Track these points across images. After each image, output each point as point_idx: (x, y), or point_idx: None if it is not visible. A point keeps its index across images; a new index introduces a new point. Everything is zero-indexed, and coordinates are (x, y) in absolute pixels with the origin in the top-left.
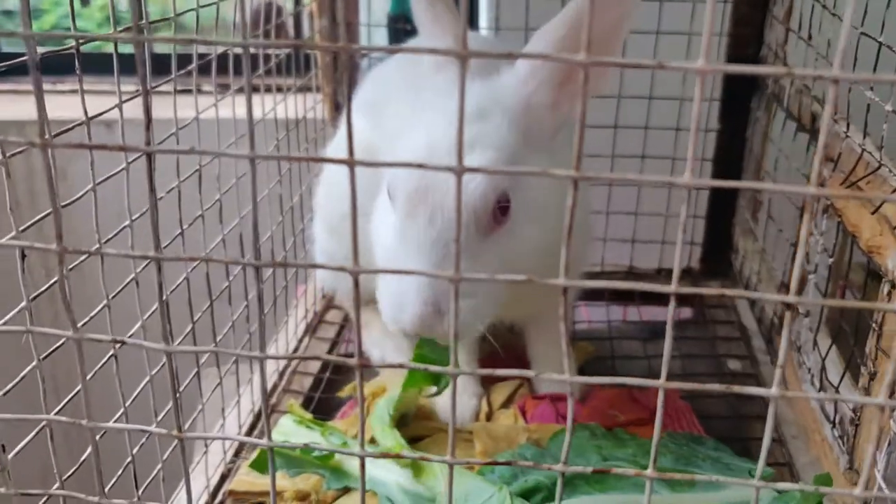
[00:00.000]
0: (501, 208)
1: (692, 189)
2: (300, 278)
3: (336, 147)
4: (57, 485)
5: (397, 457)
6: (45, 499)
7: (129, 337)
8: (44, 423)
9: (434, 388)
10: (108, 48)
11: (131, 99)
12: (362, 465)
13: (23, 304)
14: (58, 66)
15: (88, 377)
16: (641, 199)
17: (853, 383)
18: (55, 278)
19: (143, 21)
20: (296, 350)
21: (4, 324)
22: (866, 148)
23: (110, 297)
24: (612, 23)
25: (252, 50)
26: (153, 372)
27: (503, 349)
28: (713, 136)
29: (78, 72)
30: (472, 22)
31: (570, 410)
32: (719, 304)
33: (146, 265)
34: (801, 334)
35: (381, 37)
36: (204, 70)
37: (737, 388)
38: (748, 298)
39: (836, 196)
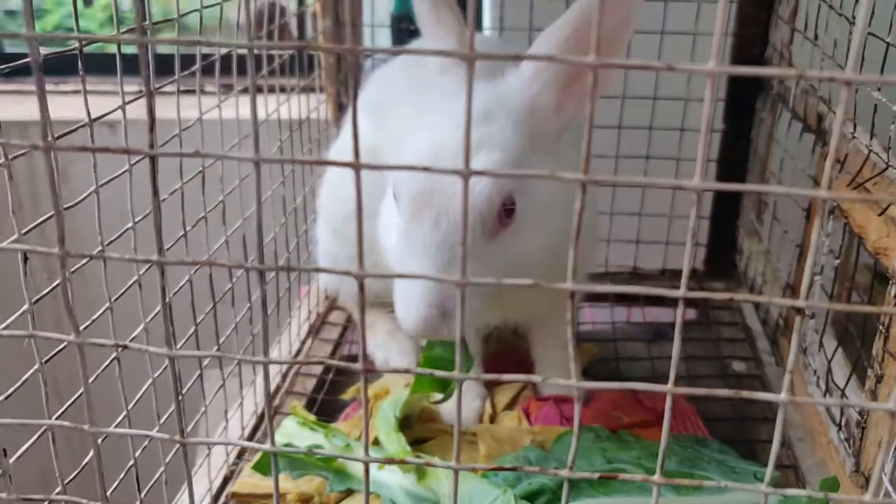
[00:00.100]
0: (507, 210)
1: (700, 192)
2: (303, 279)
3: (340, 148)
4: (59, 489)
5: (402, 462)
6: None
7: (132, 340)
8: (45, 427)
9: (440, 396)
10: (112, 48)
11: (134, 100)
12: (366, 471)
13: (25, 307)
14: (61, 66)
15: (90, 381)
16: (646, 200)
17: (859, 385)
18: (57, 281)
19: (147, 22)
20: (299, 351)
21: (6, 327)
22: (873, 149)
23: (113, 299)
24: (617, 23)
25: (256, 51)
26: (156, 375)
27: (507, 351)
28: (717, 137)
29: (81, 73)
30: (476, 22)
31: (577, 416)
32: (724, 305)
33: (148, 268)
34: (806, 336)
35: (384, 37)
36: (207, 71)
37: (746, 394)
38: (757, 302)
39: (846, 199)
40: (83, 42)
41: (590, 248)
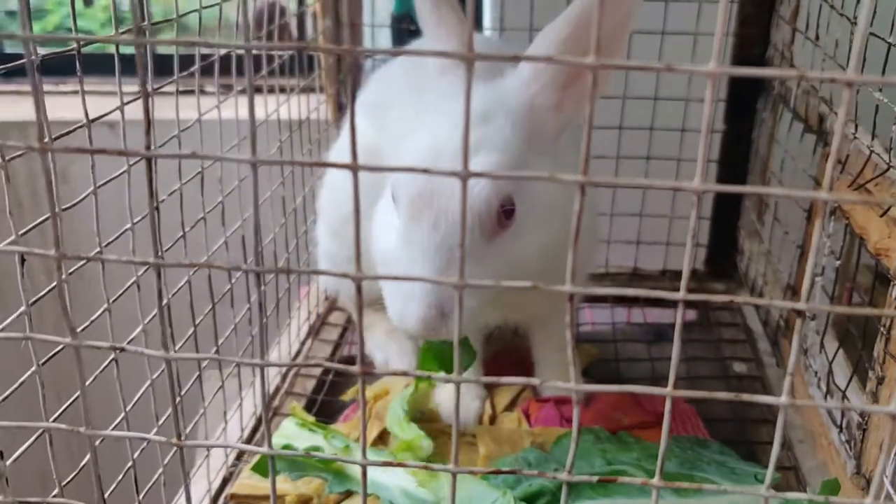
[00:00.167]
0: (506, 212)
1: (701, 194)
2: (303, 280)
3: (340, 149)
4: (56, 491)
5: (400, 465)
6: None
7: (131, 341)
8: (42, 430)
9: (443, 396)
10: (112, 49)
11: (133, 101)
12: (364, 474)
13: (22, 308)
14: (60, 66)
15: (88, 383)
16: (646, 201)
17: (860, 387)
18: (54, 283)
19: (146, 22)
20: (298, 352)
21: (3, 329)
22: (874, 150)
23: (111, 301)
24: (616, 23)
25: (255, 51)
26: (154, 376)
27: (507, 351)
28: (718, 138)
29: (79, 74)
30: (476, 23)
31: (576, 419)
32: (724, 306)
33: (147, 269)
34: (807, 337)
35: (384, 37)
36: (207, 71)
37: (746, 397)
38: (758, 305)
39: (847, 201)
40: (81, 42)
41: (590, 249)
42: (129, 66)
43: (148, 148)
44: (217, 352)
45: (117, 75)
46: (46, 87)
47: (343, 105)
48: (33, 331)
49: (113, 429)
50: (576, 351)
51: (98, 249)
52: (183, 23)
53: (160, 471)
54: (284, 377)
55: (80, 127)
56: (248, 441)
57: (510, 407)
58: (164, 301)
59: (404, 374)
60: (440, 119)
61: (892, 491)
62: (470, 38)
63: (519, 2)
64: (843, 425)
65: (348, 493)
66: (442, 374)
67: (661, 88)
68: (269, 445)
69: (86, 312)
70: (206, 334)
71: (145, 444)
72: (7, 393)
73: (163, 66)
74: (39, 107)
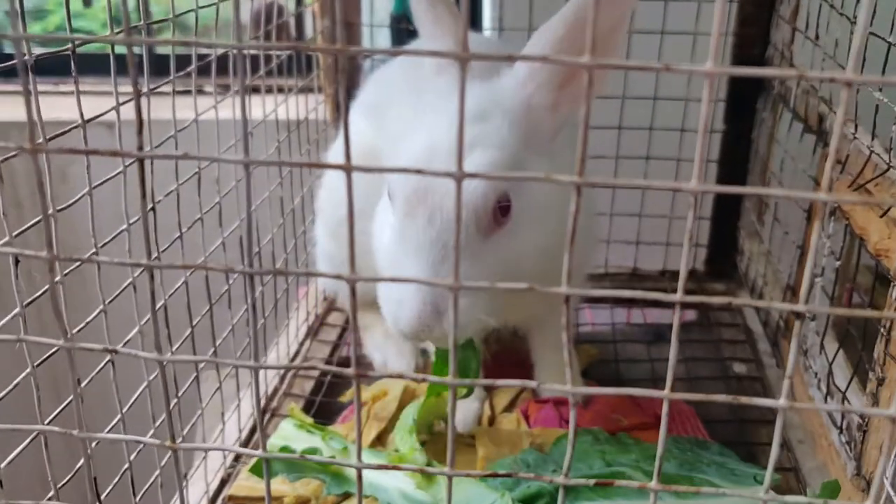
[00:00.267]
0: (502, 208)
1: (699, 195)
2: (301, 280)
3: (338, 150)
4: (51, 493)
5: (394, 468)
6: None
7: (127, 343)
8: (35, 432)
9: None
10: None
11: (128, 101)
12: (359, 477)
13: (16, 310)
14: (59, 67)
15: (84, 384)
16: (645, 201)
17: (860, 388)
18: (47, 286)
19: (142, 22)
20: (297, 353)
21: None
22: (874, 150)
23: (106, 302)
24: (613, 23)
25: (253, 51)
26: (150, 378)
27: (507, 352)
28: (718, 138)
29: (74, 74)
30: (476, 23)
31: (573, 421)
32: (724, 306)
33: (142, 271)
34: (807, 338)
35: (383, 37)
36: (205, 71)
37: (744, 399)
38: (757, 307)
39: (846, 201)
40: (76, 43)
41: (588, 249)
42: (125, 66)
43: (140, 149)
44: (214, 353)
45: (112, 76)
46: (45, 88)
47: (341, 105)
48: (33, 331)
49: (109, 430)
50: (574, 352)
51: (93, 251)
52: (182, 22)
53: (157, 472)
54: (283, 378)
55: (76, 127)
56: (247, 442)
57: (509, 408)
58: (160, 303)
59: (399, 376)
60: (437, 118)
61: (892, 493)
62: (464, 38)
63: (518, 2)
64: (844, 427)
65: (346, 495)
66: (438, 378)
67: (660, 88)
68: (264, 449)
69: (84, 312)
70: (203, 335)
71: (141, 446)
72: (2, 395)
73: (162, 66)
74: (31, 107)
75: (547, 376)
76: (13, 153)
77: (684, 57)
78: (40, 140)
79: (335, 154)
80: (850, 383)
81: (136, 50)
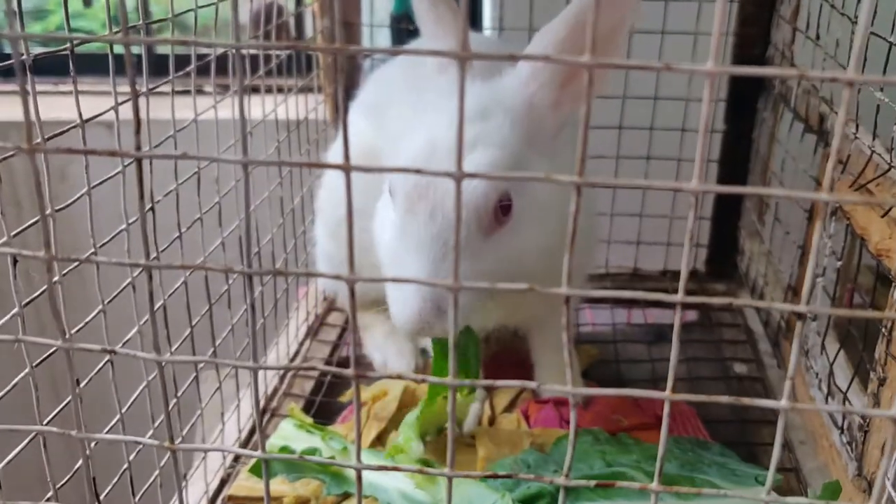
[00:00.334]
0: (503, 207)
1: (699, 195)
2: (301, 281)
3: (338, 149)
4: (50, 493)
5: (394, 469)
6: None
7: (126, 342)
8: (34, 433)
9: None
10: (116, 48)
11: (127, 101)
12: (359, 478)
13: (15, 310)
14: (59, 66)
15: (83, 384)
16: (646, 201)
17: (861, 388)
18: (44, 287)
19: (141, 22)
20: (297, 353)
21: None
22: (876, 150)
23: (105, 302)
24: (614, 23)
25: (252, 51)
26: (149, 378)
27: (507, 352)
28: (718, 138)
29: (72, 73)
30: (476, 22)
31: (573, 422)
32: (725, 307)
33: (141, 271)
34: (808, 338)
35: (383, 37)
36: (205, 71)
37: (746, 401)
38: (758, 308)
39: (848, 201)
40: (75, 42)
41: (589, 249)
42: (124, 66)
43: (138, 149)
44: (214, 353)
45: (111, 75)
46: (44, 87)
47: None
48: (31, 331)
49: (108, 431)
50: (574, 353)
51: (92, 251)
52: (182, 22)
53: (156, 473)
54: (282, 378)
55: (74, 127)
56: (246, 442)
57: (509, 408)
58: (159, 304)
59: (399, 377)
60: (438, 116)
61: (894, 494)
62: (465, 37)
63: (518, 2)
64: (845, 427)
65: (346, 495)
66: (438, 378)
67: (661, 88)
68: (263, 450)
69: (83, 311)
70: (203, 335)
71: (141, 446)
72: (0, 395)
73: (161, 66)
74: (29, 107)
75: (547, 377)
76: (11, 153)
77: (685, 57)
78: (38, 140)
79: (335, 154)
80: (850, 384)
81: (135, 50)
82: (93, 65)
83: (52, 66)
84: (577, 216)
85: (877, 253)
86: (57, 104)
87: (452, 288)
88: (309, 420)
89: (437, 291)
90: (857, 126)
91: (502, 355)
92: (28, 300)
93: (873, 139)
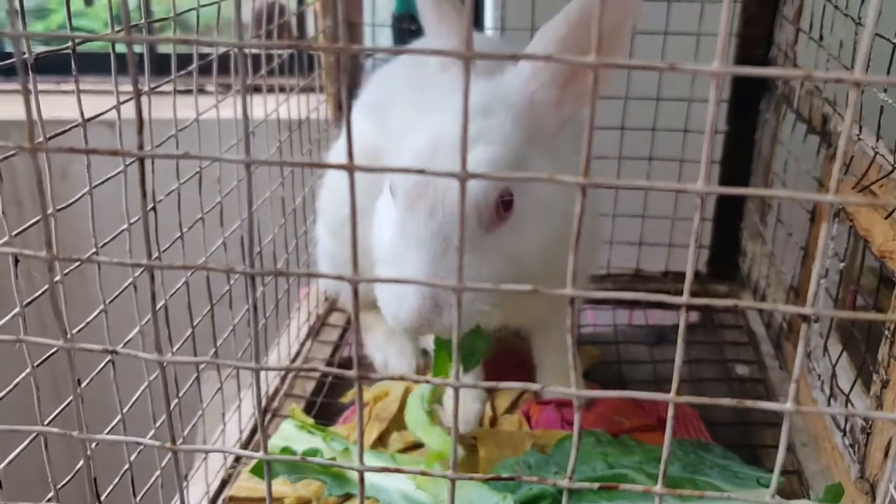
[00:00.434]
0: (505, 203)
1: (704, 196)
2: (302, 281)
3: (340, 149)
4: (51, 494)
5: (398, 471)
6: None
7: (127, 343)
8: (35, 433)
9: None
10: (118, 48)
11: (129, 100)
12: (361, 480)
13: (16, 310)
14: (61, 65)
15: (84, 384)
16: (649, 202)
17: (864, 390)
18: (46, 286)
19: (143, 21)
20: (298, 353)
21: None
22: (879, 151)
23: (107, 302)
24: (616, 22)
25: (254, 50)
26: (150, 378)
27: (509, 353)
28: (721, 139)
29: (74, 72)
30: (478, 22)
31: (577, 425)
32: (727, 308)
33: (143, 271)
34: (811, 340)
35: (385, 37)
36: (206, 70)
37: (749, 403)
38: (762, 309)
39: (853, 203)
40: (76, 41)
41: (591, 250)
42: (126, 65)
43: (140, 148)
44: (215, 353)
45: (113, 74)
46: (47, 87)
47: (343, 104)
48: (33, 330)
49: (109, 431)
50: (577, 354)
51: (93, 250)
52: (184, 21)
53: (157, 473)
54: (284, 379)
55: (76, 126)
56: (248, 442)
57: (511, 409)
58: (161, 304)
59: (401, 378)
60: (440, 114)
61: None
62: (468, 37)
63: (520, 2)
64: (847, 429)
65: (347, 496)
66: (440, 379)
67: (663, 89)
68: (265, 451)
69: (84, 311)
70: (204, 335)
71: (142, 446)
72: (1, 395)
73: (163, 65)
74: (30, 106)
75: (549, 378)
76: (12, 152)
77: (687, 58)
78: (40, 139)
79: (336, 154)
80: (853, 385)
81: (137, 49)
82: (95, 64)
83: (53, 65)
84: (581, 217)
85: (880, 255)
86: (59, 103)
87: (456, 289)
88: (310, 421)
89: (435, 288)
90: (861, 127)
91: (504, 356)
92: (29, 300)
93: (877, 140)
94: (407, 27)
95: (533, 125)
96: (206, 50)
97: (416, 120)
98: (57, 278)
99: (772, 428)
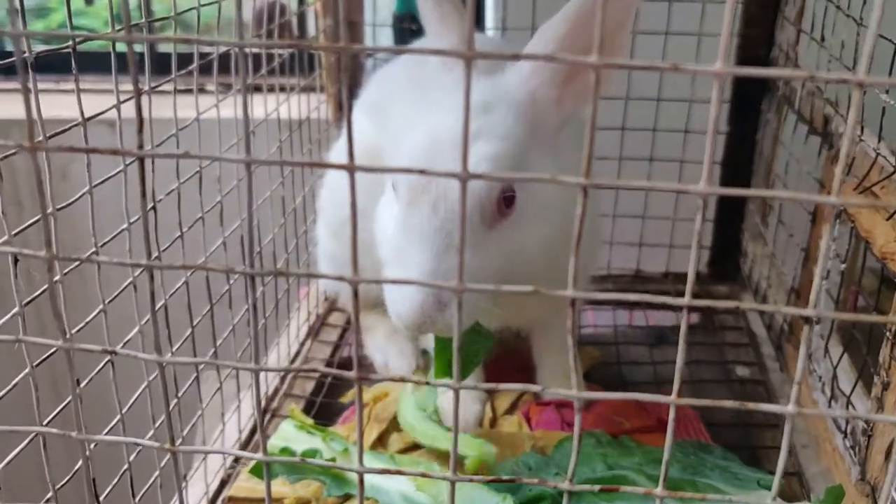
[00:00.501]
0: (506, 199)
1: (706, 197)
2: (302, 281)
3: (340, 149)
4: (49, 494)
5: (398, 472)
6: None
7: (127, 342)
8: (33, 434)
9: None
10: (119, 46)
11: (129, 100)
12: (361, 482)
13: (15, 309)
14: (61, 64)
15: (84, 384)
16: (649, 203)
17: (865, 392)
18: (46, 286)
19: (143, 20)
20: (298, 353)
21: None
22: (881, 152)
23: (106, 301)
24: (617, 20)
25: (255, 49)
26: (150, 378)
27: (509, 354)
28: (722, 139)
29: (74, 72)
30: (479, 22)
31: (578, 427)
32: (728, 309)
33: (142, 271)
34: (811, 341)
35: (386, 36)
36: (207, 69)
37: (751, 405)
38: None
39: (855, 204)
40: (77, 40)
41: (592, 251)
42: (127, 64)
43: (140, 148)
44: (215, 353)
45: (114, 74)
46: (47, 85)
47: (344, 104)
48: (33, 330)
49: (109, 431)
50: (577, 356)
51: (93, 250)
52: (184, 20)
53: (156, 473)
54: (283, 379)
55: (76, 125)
56: (247, 442)
57: (511, 410)
58: (160, 303)
59: (402, 379)
60: (441, 111)
61: None
62: (470, 36)
63: (521, 2)
64: (848, 431)
65: (347, 497)
66: (440, 381)
67: (664, 89)
68: (264, 451)
69: (84, 310)
70: (204, 335)
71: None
72: (0, 395)
73: (164, 65)
74: (30, 105)
75: (549, 378)
76: (12, 151)
77: (689, 58)
78: (40, 138)
79: (337, 153)
80: (854, 387)
81: (138, 48)
82: (95, 63)
83: (54, 64)
84: (582, 218)
85: (881, 256)
86: (59, 102)
87: (456, 290)
88: (309, 421)
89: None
90: (862, 128)
91: (504, 357)
92: (29, 299)
93: (878, 141)
94: (408, 27)
95: (534, 122)
96: (206, 49)
97: (416, 118)
98: (56, 278)
99: (772, 429)
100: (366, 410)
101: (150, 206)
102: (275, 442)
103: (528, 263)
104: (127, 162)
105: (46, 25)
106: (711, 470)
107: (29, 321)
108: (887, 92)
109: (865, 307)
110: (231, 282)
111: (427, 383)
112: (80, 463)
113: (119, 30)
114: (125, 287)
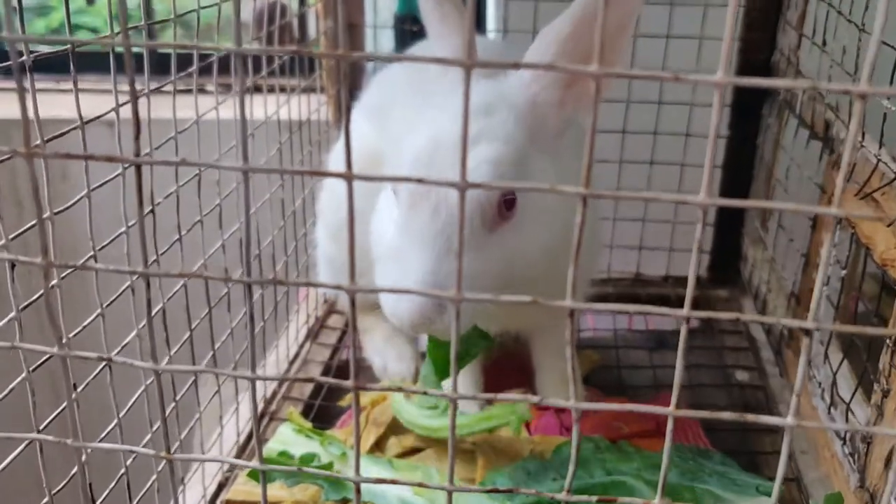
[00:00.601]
0: (507, 202)
1: (707, 207)
2: None
3: (340, 151)
4: (46, 499)
5: (394, 482)
6: None
7: (124, 347)
8: (29, 440)
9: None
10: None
11: (128, 102)
12: (357, 491)
13: (11, 314)
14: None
15: (80, 389)
16: (649, 206)
17: (865, 399)
18: (50, 283)
19: (143, 21)
20: (296, 356)
21: None
22: (882, 158)
23: (104, 306)
24: (619, 23)
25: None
26: (147, 382)
27: (508, 357)
28: (722, 143)
29: (73, 75)
30: (480, 25)
31: (576, 437)
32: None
33: (139, 276)
34: (811, 350)
35: (387, 38)
36: (207, 70)
37: (751, 417)
38: (763, 322)
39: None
40: (75, 45)
41: (592, 255)
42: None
43: (137, 154)
44: (213, 357)
45: (112, 75)
46: (46, 85)
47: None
48: (31, 333)
49: (105, 437)
50: (576, 363)
51: (91, 254)
52: (185, 21)
53: (153, 478)
54: (281, 382)
55: (74, 128)
56: (245, 445)
57: None
58: (157, 308)
59: (399, 389)
60: (441, 114)
61: None
62: (471, 44)
63: (522, 4)
64: (847, 438)
65: (345, 500)
66: (438, 391)
67: (665, 93)
68: (261, 459)
69: (83, 313)
70: (202, 338)
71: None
72: None
73: (164, 65)
74: (27, 110)
75: (548, 383)
76: (7, 157)
77: (690, 61)
78: (37, 142)
79: (337, 156)
80: (854, 394)
81: (137, 49)
82: (94, 63)
83: (53, 64)
84: (582, 227)
85: (882, 262)
86: (58, 101)
87: (454, 300)
88: (308, 424)
89: (438, 285)
90: (864, 134)
91: (503, 360)
92: (26, 304)
93: (879, 147)
94: (409, 28)
95: (535, 125)
96: (206, 50)
97: (417, 121)
98: (53, 283)
99: (771, 434)
100: (363, 414)
101: (147, 210)
102: (273, 445)
103: (528, 266)
104: (126, 165)
105: (47, 24)
106: (710, 476)
107: (29, 322)
108: (888, 98)
109: (866, 312)
110: (229, 285)
111: (424, 393)
112: (74, 470)
113: (117, 33)
114: (122, 291)
